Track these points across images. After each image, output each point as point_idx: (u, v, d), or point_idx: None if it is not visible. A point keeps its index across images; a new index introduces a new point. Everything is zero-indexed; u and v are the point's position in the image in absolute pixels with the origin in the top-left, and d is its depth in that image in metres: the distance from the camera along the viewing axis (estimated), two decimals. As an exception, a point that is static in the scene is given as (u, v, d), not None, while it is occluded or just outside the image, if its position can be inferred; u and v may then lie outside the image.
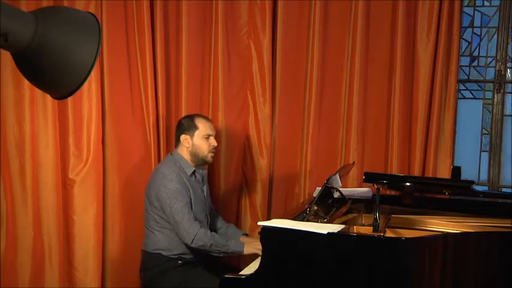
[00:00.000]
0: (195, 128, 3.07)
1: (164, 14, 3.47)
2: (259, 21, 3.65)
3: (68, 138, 3.26)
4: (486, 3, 3.83)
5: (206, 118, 3.17)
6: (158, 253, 3.01)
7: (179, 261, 3.00)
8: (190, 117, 3.13)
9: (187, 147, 3.07)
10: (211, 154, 3.11)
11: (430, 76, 3.53)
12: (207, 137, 3.08)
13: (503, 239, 2.61)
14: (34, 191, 3.18)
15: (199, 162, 3.11)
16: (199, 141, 3.06)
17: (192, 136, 3.06)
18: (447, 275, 2.47)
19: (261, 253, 2.71)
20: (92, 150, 3.28)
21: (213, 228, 3.19)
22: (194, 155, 3.08)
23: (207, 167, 3.40)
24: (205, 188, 3.18)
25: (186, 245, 2.94)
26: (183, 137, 3.07)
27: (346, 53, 3.65)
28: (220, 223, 3.30)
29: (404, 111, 3.60)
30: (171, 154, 3.13)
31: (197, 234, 2.87)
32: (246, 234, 3.27)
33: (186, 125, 3.08)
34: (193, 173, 3.08)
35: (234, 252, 2.92)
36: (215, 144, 3.11)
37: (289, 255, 2.41)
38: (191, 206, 2.97)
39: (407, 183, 2.89)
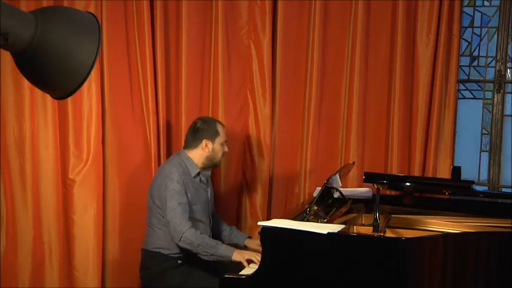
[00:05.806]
0: (217, 134, 3.09)
1: (164, 14, 3.48)
2: (259, 21, 3.64)
3: (68, 138, 3.26)
4: (486, 3, 3.84)
5: (223, 124, 3.21)
6: (158, 252, 3.01)
7: (179, 261, 3.00)
8: (212, 122, 3.13)
9: (207, 152, 3.07)
10: (222, 159, 3.17)
11: (430, 76, 3.53)
12: (223, 143, 3.11)
13: (503, 239, 2.61)
14: (34, 191, 3.18)
15: (211, 165, 3.14)
16: (218, 147, 3.09)
17: (213, 142, 3.08)
18: (447, 275, 2.47)
19: (247, 265, 2.73)
20: (92, 150, 3.28)
21: (216, 230, 3.20)
22: (210, 159, 3.09)
23: (211, 169, 3.40)
24: (209, 189, 3.18)
25: (176, 244, 2.92)
26: (205, 141, 3.07)
27: (346, 53, 3.65)
28: (222, 226, 3.30)
29: (404, 111, 3.60)
30: (177, 154, 3.14)
31: (185, 233, 2.86)
32: (250, 237, 3.27)
33: (209, 130, 3.08)
34: (198, 174, 3.09)
35: (222, 256, 2.85)
36: (227, 149, 3.16)
37: (289, 255, 2.41)
38: (189, 207, 2.96)
39: (408, 183, 2.89)
